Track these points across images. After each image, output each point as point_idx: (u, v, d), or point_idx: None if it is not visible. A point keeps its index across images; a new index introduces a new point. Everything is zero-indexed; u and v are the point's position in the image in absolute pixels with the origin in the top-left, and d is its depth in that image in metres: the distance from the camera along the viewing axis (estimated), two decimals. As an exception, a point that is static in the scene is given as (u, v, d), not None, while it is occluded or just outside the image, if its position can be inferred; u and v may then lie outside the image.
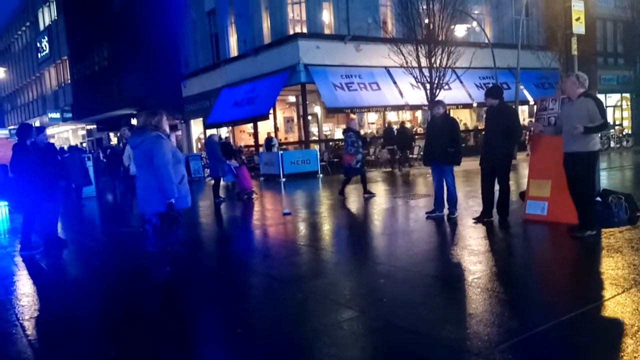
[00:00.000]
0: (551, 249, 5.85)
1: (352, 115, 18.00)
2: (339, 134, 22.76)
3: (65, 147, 19.17)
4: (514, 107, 15.79)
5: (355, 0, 21.28)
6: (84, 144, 42.07)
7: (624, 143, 24.62)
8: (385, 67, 20.96)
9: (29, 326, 4.13)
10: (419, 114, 24.14)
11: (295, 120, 23.40)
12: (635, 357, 2.89)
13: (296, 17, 21.82)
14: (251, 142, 24.46)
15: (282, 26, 21.31)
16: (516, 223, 6.87)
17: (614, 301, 3.76)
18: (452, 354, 3.15)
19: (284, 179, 16.71)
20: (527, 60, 22.42)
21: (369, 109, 20.85)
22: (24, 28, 51.81)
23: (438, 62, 18.65)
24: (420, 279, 4.69)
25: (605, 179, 11.45)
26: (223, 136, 21.60)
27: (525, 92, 23.99)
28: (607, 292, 3.97)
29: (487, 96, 7.04)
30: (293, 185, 15.10)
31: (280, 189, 14.46)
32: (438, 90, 18.99)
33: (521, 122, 13.44)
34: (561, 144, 5.92)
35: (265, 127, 22.59)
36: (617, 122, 28.34)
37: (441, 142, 7.45)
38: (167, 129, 4.84)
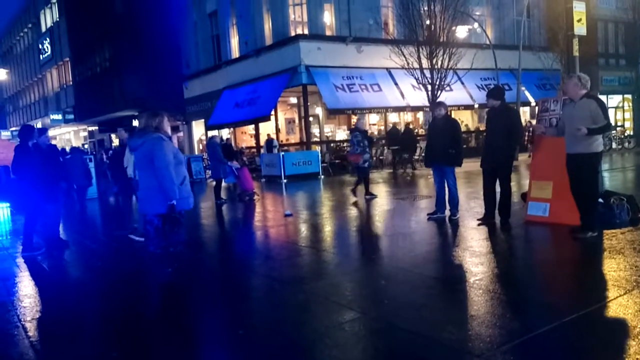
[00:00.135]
0: (553, 250, 5.84)
1: (355, 118, 17.96)
2: (340, 135, 22.79)
3: (67, 149, 19.23)
4: (515, 108, 15.78)
5: (357, 1, 21.29)
6: (86, 146, 42.17)
7: (626, 144, 24.60)
8: (387, 69, 20.96)
9: (31, 327, 4.13)
10: (420, 115, 24.15)
11: (297, 121, 23.41)
12: (637, 358, 2.88)
13: (297, 19, 21.83)
14: (252, 143, 24.48)
15: (283, 27, 21.33)
16: (518, 224, 6.85)
17: (616, 303, 3.75)
18: (453, 355, 3.14)
19: (285, 181, 16.70)
20: (529, 62, 22.42)
21: (371, 110, 20.82)
22: (26, 30, 51.98)
23: (439, 63, 18.64)
24: (422, 280, 4.68)
25: (607, 180, 11.44)
26: (224, 137, 21.63)
27: (527, 93, 24.00)
28: (609, 294, 3.96)
29: (489, 97, 7.03)
30: (294, 186, 15.10)
31: (281, 191, 14.46)
32: (439, 92, 18.98)
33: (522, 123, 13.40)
34: (563, 146, 5.91)
35: (266, 129, 22.60)
36: (619, 124, 28.29)
37: (442, 143, 7.44)
38: (169, 131, 4.86)
